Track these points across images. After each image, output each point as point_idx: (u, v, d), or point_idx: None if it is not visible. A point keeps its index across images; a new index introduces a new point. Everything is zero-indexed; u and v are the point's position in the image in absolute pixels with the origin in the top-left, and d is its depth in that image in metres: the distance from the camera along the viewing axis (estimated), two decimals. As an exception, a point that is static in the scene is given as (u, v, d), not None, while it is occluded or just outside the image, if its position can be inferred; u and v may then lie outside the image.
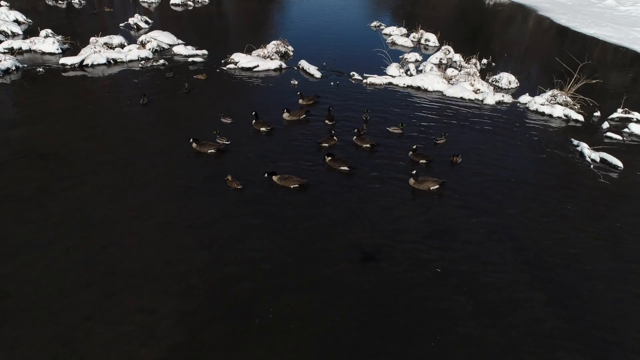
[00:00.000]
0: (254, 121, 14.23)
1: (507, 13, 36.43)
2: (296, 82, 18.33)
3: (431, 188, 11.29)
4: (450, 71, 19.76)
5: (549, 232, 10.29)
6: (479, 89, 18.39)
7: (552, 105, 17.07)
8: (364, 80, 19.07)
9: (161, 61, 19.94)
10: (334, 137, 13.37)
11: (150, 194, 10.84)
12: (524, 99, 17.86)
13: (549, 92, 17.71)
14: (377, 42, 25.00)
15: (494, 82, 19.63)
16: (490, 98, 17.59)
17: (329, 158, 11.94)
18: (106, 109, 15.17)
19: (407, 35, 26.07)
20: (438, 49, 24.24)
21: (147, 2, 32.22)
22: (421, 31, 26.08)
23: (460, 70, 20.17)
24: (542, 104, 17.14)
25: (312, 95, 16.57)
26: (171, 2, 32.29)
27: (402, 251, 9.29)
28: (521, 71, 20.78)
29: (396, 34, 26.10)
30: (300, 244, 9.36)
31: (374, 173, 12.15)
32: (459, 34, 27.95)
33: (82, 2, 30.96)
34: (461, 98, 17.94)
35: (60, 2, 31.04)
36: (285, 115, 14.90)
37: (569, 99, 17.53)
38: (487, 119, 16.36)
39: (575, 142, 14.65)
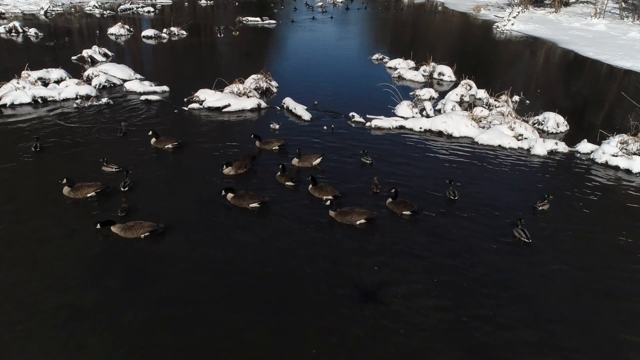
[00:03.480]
0: (153, 140, 12.09)
1: (523, 45, 32.53)
2: (277, 126, 13.76)
3: (357, 223, 8.98)
4: (478, 111, 15.24)
5: None
6: (521, 134, 13.81)
7: (628, 156, 12.43)
8: (368, 124, 14.51)
9: (104, 100, 15.41)
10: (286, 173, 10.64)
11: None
12: (584, 147, 13.24)
13: (617, 138, 13.10)
14: (381, 77, 20.70)
15: (536, 125, 15.07)
16: (540, 147, 12.96)
17: (231, 195, 9.50)
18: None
19: (417, 69, 21.79)
20: (455, 83, 19.96)
21: (115, 34, 28.18)
22: (432, 64, 21.82)
23: (490, 110, 15.65)
24: (613, 155, 12.49)
25: (281, 139, 12.67)
26: (143, 34, 28.26)
27: None
28: (565, 110, 16.27)
29: (403, 67, 21.81)
30: None
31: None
32: (476, 67, 23.72)
33: (40, 34, 26.87)
34: (499, 146, 13.31)
35: (14, 34, 26.96)
36: (226, 170, 10.80)
37: (645, 147, 12.93)
38: (542, 176, 11.70)
39: (685, 214, 9.91)
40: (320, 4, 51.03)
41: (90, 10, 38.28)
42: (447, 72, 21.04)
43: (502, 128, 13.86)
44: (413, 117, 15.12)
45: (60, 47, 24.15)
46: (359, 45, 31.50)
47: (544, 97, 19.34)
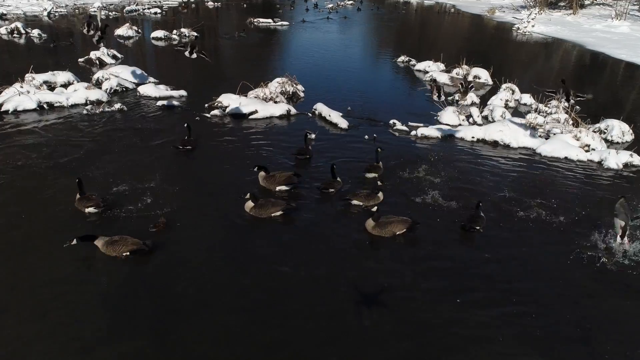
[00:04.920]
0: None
1: (548, 47, 31.10)
2: (314, 135, 12.24)
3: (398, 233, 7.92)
4: (531, 117, 13.73)
5: None
6: (587, 145, 12.31)
7: None
8: (413, 132, 13.01)
9: (117, 105, 13.92)
10: (338, 179, 9.51)
11: None
12: (661, 159, 11.74)
13: (697, 149, 11.62)
14: (411, 81, 19.30)
15: (598, 133, 13.53)
16: (614, 159, 11.45)
17: (250, 204, 8.36)
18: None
19: (448, 72, 20.30)
20: (492, 87, 18.50)
21: (123, 35, 26.69)
22: (465, 66, 20.34)
23: (545, 117, 14.15)
24: (701, 169, 10.99)
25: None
26: (152, 35, 26.77)
27: None
28: (620, 116, 14.72)
29: (434, 70, 20.33)
30: None
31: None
32: (509, 69, 22.20)
33: (43, 35, 25.39)
34: (565, 159, 11.79)
35: (15, 35, 25.48)
36: (261, 176, 9.42)
37: None
38: (626, 192, 10.18)
39: None
40: (330, 5, 49.69)
41: (94, 11, 36.83)
42: (483, 75, 19.56)
43: (566, 138, 12.36)
44: (460, 124, 13.64)
45: (65, 49, 22.64)
46: (379, 46, 30.10)
47: (593, 103, 17.82)
